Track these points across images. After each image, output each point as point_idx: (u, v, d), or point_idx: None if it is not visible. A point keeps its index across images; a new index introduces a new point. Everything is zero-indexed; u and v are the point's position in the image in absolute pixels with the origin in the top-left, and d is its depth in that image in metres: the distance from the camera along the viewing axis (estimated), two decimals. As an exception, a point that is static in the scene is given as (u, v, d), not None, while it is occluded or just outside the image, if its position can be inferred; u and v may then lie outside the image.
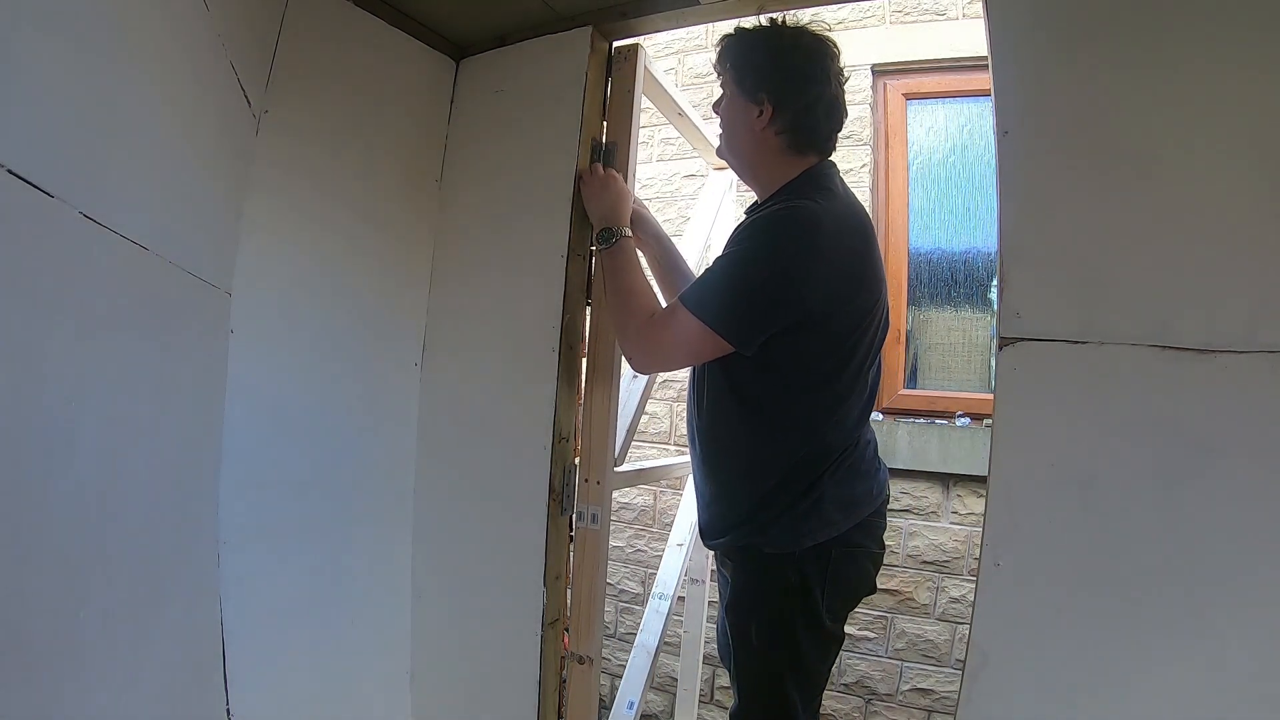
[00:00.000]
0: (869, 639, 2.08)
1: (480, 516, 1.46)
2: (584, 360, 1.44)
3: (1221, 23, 0.89)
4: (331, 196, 1.32)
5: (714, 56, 1.34)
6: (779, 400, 1.20)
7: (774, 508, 1.19)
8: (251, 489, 1.16)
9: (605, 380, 1.39)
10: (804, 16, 2.37)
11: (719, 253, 1.21)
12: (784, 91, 1.22)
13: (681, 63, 2.56)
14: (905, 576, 2.04)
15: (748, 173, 1.33)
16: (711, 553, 1.64)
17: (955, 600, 1.99)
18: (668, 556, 1.99)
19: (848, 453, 1.22)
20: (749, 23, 1.30)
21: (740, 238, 1.18)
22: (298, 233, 1.26)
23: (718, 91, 1.37)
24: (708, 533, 1.33)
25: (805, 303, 1.11)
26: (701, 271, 1.28)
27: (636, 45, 1.46)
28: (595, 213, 1.35)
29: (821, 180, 1.22)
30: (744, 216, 1.27)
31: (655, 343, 1.20)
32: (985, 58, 1.03)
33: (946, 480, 2.00)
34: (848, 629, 2.04)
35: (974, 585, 0.98)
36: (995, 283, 1.08)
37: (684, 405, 2.43)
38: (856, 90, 2.27)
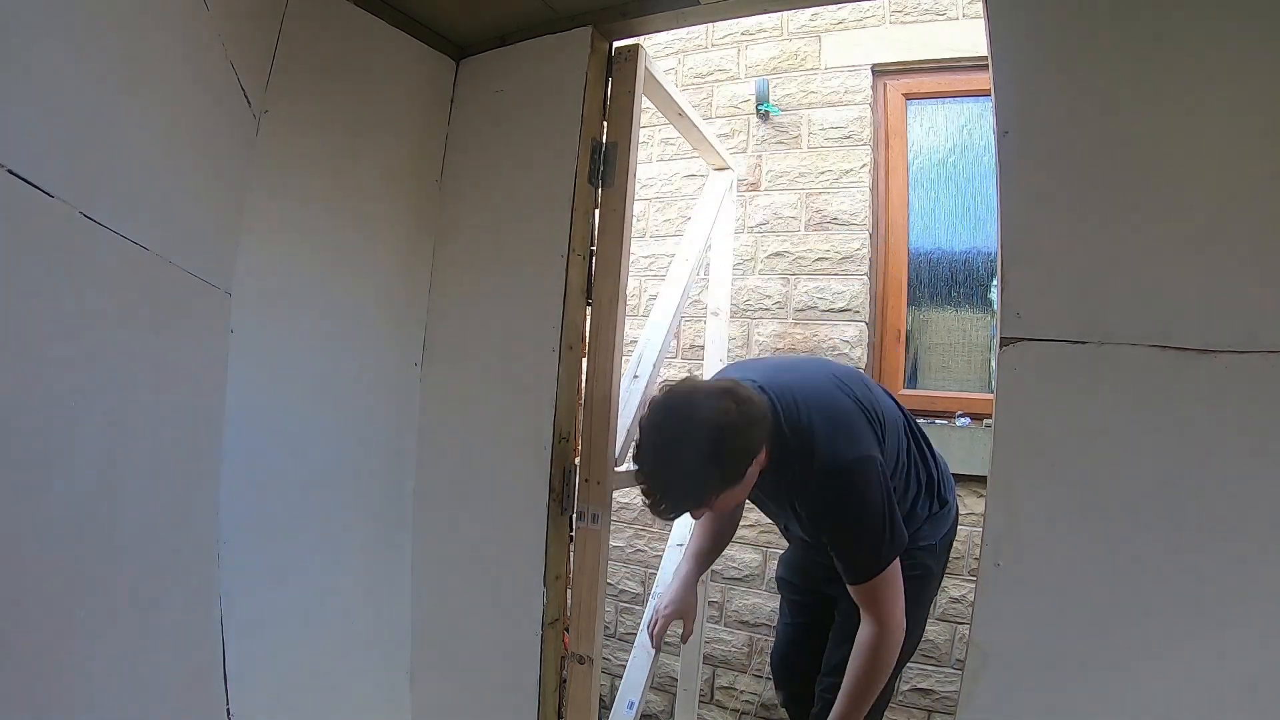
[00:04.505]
0: (869, 639, 2.08)
1: (480, 516, 1.46)
2: (584, 360, 1.44)
3: (1221, 23, 0.89)
4: (331, 196, 1.32)
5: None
6: None
7: None
8: (251, 489, 1.16)
9: (605, 380, 1.39)
10: (803, 16, 2.36)
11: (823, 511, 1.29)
12: (738, 464, 1.22)
13: (681, 63, 2.56)
14: (905, 576, 2.04)
15: None
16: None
17: (955, 600, 1.99)
18: (668, 556, 1.99)
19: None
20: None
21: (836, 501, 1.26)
22: (298, 233, 1.26)
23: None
24: None
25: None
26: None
27: (637, 45, 1.46)
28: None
29: (796, 420, 1.26)
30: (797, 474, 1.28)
31: (892, 611, 1.26)
32: (985, 58, 1.03)
33: (946, 480, 2.00)
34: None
35: (974, 585, 0.98)
36: (995, 283, 1.08)
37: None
38: (856, 90, 2.27)
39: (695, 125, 1.83)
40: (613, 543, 2.23)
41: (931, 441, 1.51)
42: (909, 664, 2.02)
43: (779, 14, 2.36)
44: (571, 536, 1.41)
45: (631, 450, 1.23)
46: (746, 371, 1.40)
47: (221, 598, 1.08)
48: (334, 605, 1.35)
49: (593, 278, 1.43)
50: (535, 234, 1.42)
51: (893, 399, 1.50)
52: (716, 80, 2.48)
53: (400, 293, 1.50)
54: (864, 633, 1.27)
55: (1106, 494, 0.91)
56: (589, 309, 1.43)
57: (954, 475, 1.97)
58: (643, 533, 2.48)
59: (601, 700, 1.45)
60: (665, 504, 1.22)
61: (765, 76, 2.37)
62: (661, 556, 2.03)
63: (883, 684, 1.30)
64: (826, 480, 1.25)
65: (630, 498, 2.48)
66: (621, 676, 1.82)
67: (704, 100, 2.48)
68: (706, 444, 1.15)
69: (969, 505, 1.97)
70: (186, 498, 0.98)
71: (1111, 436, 0.91)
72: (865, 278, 2.20)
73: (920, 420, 2.07)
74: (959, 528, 1.57)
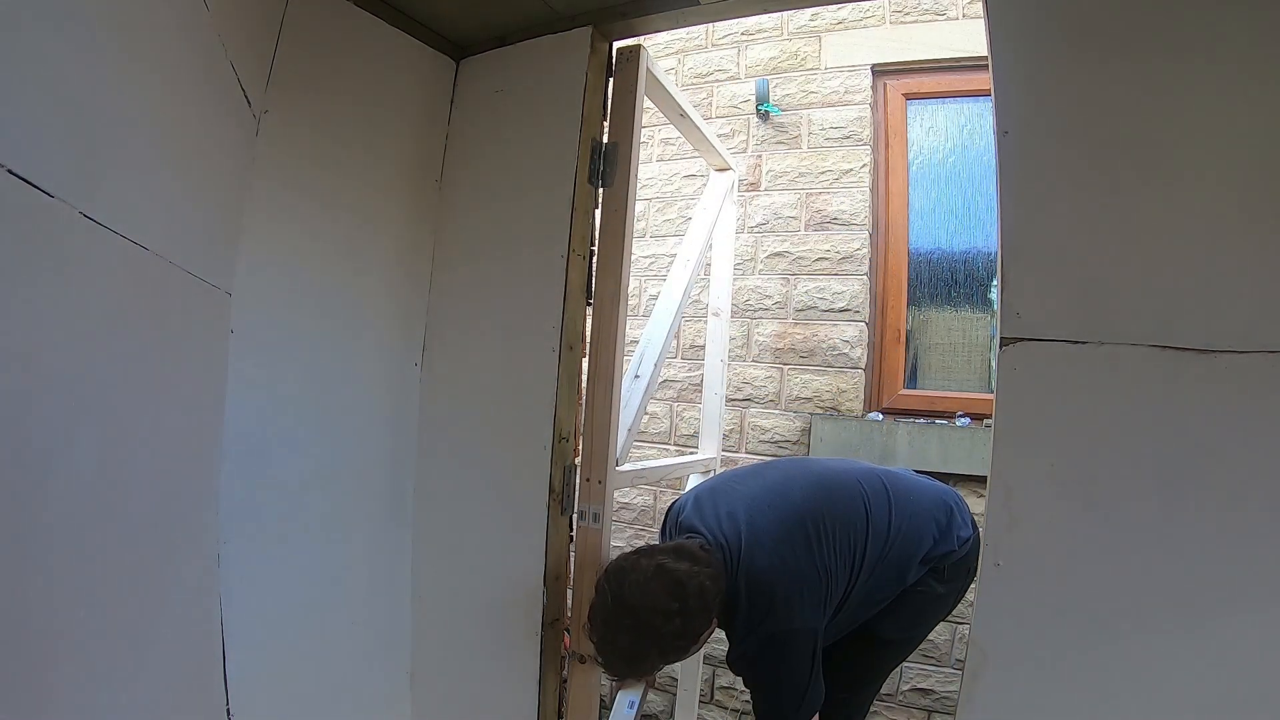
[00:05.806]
0: (869, 639, 2.08)
1: (480, 516, 1.46)
2: (584, 360, 1.44)
3: (1221, 22, 0.89)
4: (331, 196, 1.33)
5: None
6: None
7: None
8: (252, 489, 1.16)
9: (605, 380, 1.39)
10: (803, 16, 2.35)
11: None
12: (680, 645, 1.23)
13: (681, 63, 2.56)
14: (905, 576, 2.03)
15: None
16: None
17: (955, 600, 1.99)
18: (668, 556, 1.98)
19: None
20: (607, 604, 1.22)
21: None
22: (298, 233, 1.26)
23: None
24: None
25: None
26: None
27: (639, 46, 1.46)
28: None
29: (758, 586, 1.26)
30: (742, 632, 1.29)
31: None
32: (985, 58, 1.03)
33: (946, 480, 2.00)
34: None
35: (974, 585, 0.98)
36: (995, 283, 1.08)
37: (683, 405, 2.43)
38: (856, 90, 2.27)
39: (696, 126, 1.83)
40: (613, 543, 2.23)
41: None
42: (909, 664, 2.03)
43: (779, 14, 2.36)
44: (571, 536, 1.41)
45: (588, 609, 1.26)
46: (733, 502, 1.37)
47: (221, 598, 1.09)
48: (334, 605, 1.35)
49: (593, 277, 1.43)
50: (535, 234, 1.43)
51: (919, 485, 1.56)
52: (716, 80, 2.48)
53: (400, 292, 1.50)
54: None
55: (1106, 494, 0.91)
56: (589, 309, 1.43)
57: (954, 475, 1.99)
58: (643, 533, 2.47)
59: (601, 700, 1.45)
60: (610, 670, 1.29)
61: (765, 76, 2.37)
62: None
63: None
64: (761, 642, 1.27)
65: (630, 498, 2.49)
66: (621, 676, 1.81)
67: (704, 100, 2.49)
68: (648, 632, 1.18)
69: (969, 505, 1.97)
70: (186, 498, 0.98)
71: (1111, 437, 0.91)
72: (865, 278, 2.20)
73: (920, 420, 2.07)
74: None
